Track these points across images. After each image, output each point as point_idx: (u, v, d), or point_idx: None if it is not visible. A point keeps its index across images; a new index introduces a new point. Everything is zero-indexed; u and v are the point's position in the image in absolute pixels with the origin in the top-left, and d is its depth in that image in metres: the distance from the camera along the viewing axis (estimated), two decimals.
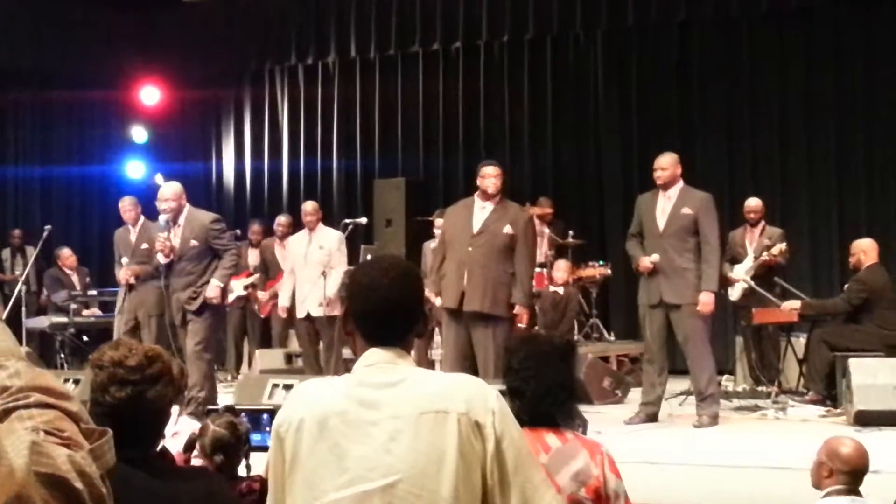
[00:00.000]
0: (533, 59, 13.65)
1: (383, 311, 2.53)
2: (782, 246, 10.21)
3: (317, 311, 9.90)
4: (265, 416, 5.28)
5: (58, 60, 15.04)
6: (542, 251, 11.60)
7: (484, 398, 2.45)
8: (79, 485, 1.28)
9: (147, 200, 10.22)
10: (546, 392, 3.23)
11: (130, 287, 9.47)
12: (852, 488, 4.20)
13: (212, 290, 8.64)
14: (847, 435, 7.84)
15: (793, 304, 9.65)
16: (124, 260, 9.53)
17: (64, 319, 11.95)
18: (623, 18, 12.86)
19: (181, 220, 8.74)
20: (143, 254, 9.39)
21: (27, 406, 1.38)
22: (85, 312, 12.29)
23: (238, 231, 12.70)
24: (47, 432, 1.34)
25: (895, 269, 10.71)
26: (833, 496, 4.15)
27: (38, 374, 1.45)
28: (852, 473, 4.20)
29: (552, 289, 10.84)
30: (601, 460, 3.20)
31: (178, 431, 4.58)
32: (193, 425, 4.45)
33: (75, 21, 15.07)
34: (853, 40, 12.03)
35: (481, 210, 8.18)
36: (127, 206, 9.99)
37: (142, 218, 9.77)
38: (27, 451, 1.26)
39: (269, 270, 11.95)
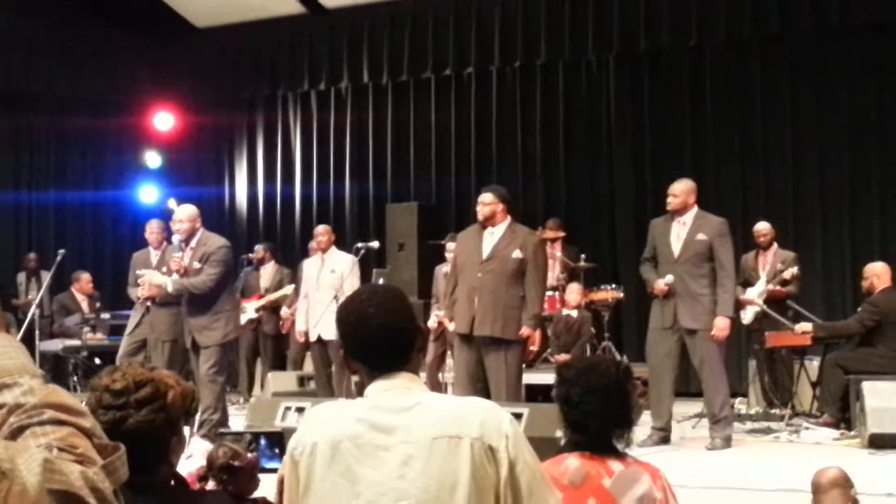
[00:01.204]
0: (545, 84, 13.68)
1: (378, 341, 2.54)
2: (795, 269, 10.20)
3: (328, 335, 9.91)
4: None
5: (72, 85, 15.13)
6: (555, 274, 11.61)
7: (497, 423, 2.46)
8: (92, 501, 1.30)
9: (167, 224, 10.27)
10: (608, 427, 3.22)
11: (147, 309, 9.50)
12: None
13: (158, 283, 8.71)
14: (832, 465, 7.86)
15: (805, 327, 9.63)
16: (141, 281, 9.56)
17: (77, 342, 11.99)
18: (635, 43, 12.89)
19: (193, 242, 8.77)
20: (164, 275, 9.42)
21: (41, 423, 1.39)
22: (97, 335, 12.31)
23: (251, 255, 12.75)
24: (61, 449, 1.35)
25: None
26: None
27: (51, 390, 1.46)
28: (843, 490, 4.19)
29: (565, 312, 10.84)
30: (662, 484, 3.21)
31: (192, 454, 4.59)
32: (207, 447, 4.46)
33: (90, 47, 15.17)
34: (866, 63, 12.02)
35: (490, 235, 8.20)
36: (155, 228, 10.07)
37: (165, 243, 9.81)
38: (40, 468, 1.27)
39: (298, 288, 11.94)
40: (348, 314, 2.61)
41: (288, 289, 11.90)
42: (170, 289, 8.68)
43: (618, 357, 11.94)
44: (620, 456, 3.21)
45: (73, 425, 1.41)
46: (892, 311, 9.39)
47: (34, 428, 1.39)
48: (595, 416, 3.19)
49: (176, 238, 8.80)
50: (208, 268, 8.66)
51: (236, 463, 3.73)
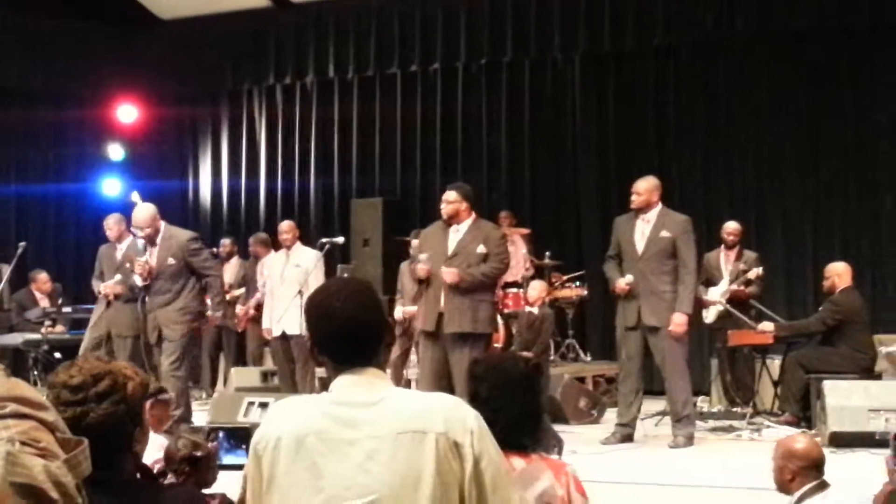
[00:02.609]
0: (511, 81, 13.70)
1: (345, 334, 2.52)
2: (759, 270, 10.27)
3: (292, 330, 9.88)
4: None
5: (35, 78, 14.98)
6: (520, 271, 11.61)
7: (462, 418, 2.45)
8: (54, 495, 1.29)
9: (125, 218, 10.21)
10: (515, 423, 3.23)
11: (108, 304, 9.48)
12: (821, 482, 4.23)
13: (215, 314, 8.80)
14: (795, 432, 7.92)
15: (766, 327, 9.70)
16: (116, 279, 9.53)
17: (37, 336, 11.87)
18: (600, 42, 12.92)
19: (158, 239, 8.75)
20: (127, 272, 9.38)
21: (2, 416, 1.38)
22: (57, 329, 12.21)
23: (215, 249, 12.69)
24: (23, 443, 1.33)
25: (868, 292, 10.82)
26: (808, 498, 4.17)
27: (13, 384, 1.44)
28: (814, 467, 4.24)
29: (527, 309, 10.84)
30: (566, 480, 3.20)
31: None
32: (163, 442, 4.42)
33: (52, 38, 15.02)
34: (828, 65, 12.12)
35: (456, 232, 8.21)
36: (111, 224, 10.01)
37: (129, 236, 9.73)
38: (2, 461, 1.26)
39: (250, 286, 11.92)
40: (316, 306, 2.59)
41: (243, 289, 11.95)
42: (219, 316, 9.08)
43: (581, 355, 12.00)
44: (524, 453, 3.21)
45: (35, 419, 1.39)
46: (853, 310, 9.48)
47: None
48: (501, 412, 3.19)
49: (139, 242, 8.76)
50: (200, 253, 8.75)
51: (198, 453, 3.71)
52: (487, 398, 3.24)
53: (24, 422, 1.38)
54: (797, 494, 4.24)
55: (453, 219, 8.16)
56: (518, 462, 3.17)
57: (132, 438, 2.72)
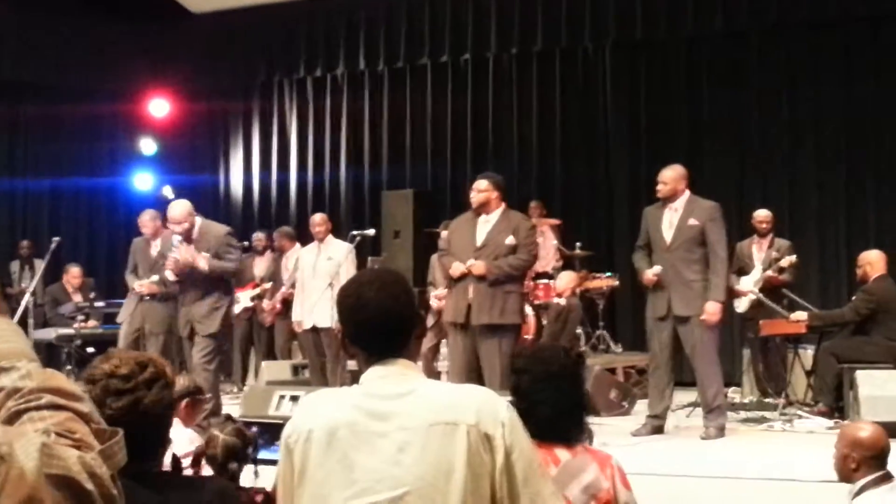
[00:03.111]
0: (541, 71, 13.67)
1: (377, 325, 2.52)
2: (792, 258, 10.20)
3: (323, 323, 9.90)
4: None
5: (67, 73, 15.09)
6: (550, 262, 11.60)
7: (494, 410, 2.45)
8: (90, 486, 1.29)
9: (160, 213, 10.27)
10: (558, 415, 3.21)
11: (140, 298, 9.55)
12: (885, 474, 4.18)
13: (192, 261, 8.65)
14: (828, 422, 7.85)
15: (800, 316, 9.64)
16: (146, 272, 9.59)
17: (70, 331, 11.95)
18: (632, 31, 12.88)
19: (195, 234, 8.78)
20: (162, 270, 9.43)
21: (38, 407, 1.39)
22: (90, 324, 12.29)
23: (246, 243, 12.73)
24: (58, 434, 1.35)
25: None
26: (870, 489, 4.13)
27: (49, 375, 1.46)
28: (880, 457, 4.20)
29: (555, 300, 10.83)
30: (611, 473, 3.19)
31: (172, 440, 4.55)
32: (191, 435, 4.44)
33: (85, 33, 15.12)
34: (862, 52, 12.03)
35: (485, 223, 8.20)
36: (146, 220, 10.06)
37: (163, 232, 9.77)
38: (38, 453, 1.27)
39: (276, 281, 11.97)
40: (348, 297, 2.60)
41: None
42: (204, 266, 8.66)
43: (612, 346, 11.97)
44: (569, 445, 3.19)
45: (71, 410, 1.40)
46: (887, 299, 9.40)
47: (32, 413, 1.38)
48: (544, 404, 3.17)
49: (175, 238, 8.78)
50: (231, 251, 8.71)
51: (242, 445, 3.73)
52: (529, 390, 3.22)
53: (59, 413, 1.39)
54: (859, 484, 4.19)
55: (483, 208, 8.15)
56: (563, 454, 3.16)
57: (170, 427, 2.76)
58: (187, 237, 8.72)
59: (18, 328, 1.54)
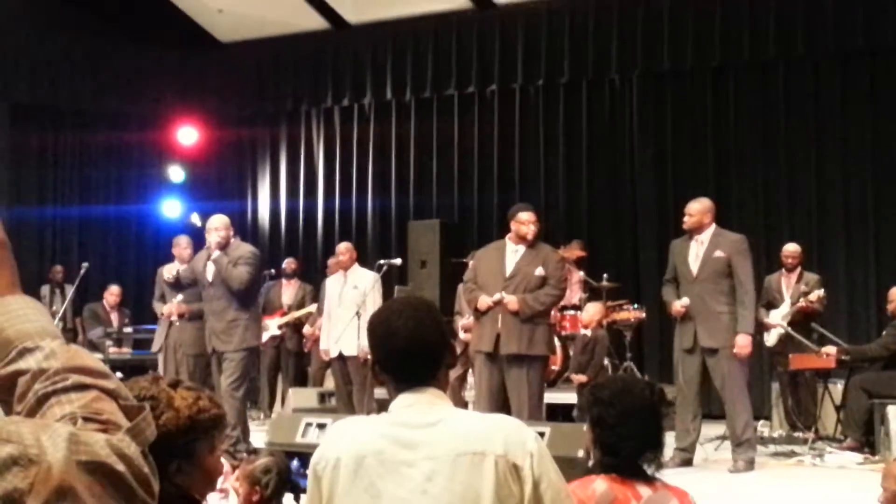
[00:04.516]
0: (568, 102, 13.68)
1: (407, 353, 2.52)
2: (820, 292, 10.15)
3: (349, 351, 9.91)
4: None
5: (97, 100, 15.23)
6: (577, 294, 11.56)
7: (522, 440, 2.44)
8: (121, 467, 1.29)
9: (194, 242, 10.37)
10: (640, 449, 3.17)
11: (171, 324, 9.61)
12: None
13: (214, 255, 8.82)
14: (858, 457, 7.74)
15: (829, 350, 9.57)
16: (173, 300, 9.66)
17: (99, 356, 11.99)
18: (659, 62, 12.89)
19: (228, 249, 8.90)
20: (192, 294, 9.49)
21: (65, 389, 1.38)
22: (122, 350, 12.35)
23: (273, 270, 12.77)
24: (86, 418, 1.34)
25: None
26: None
27: (73, 353, 1.44)
28: None
29: (582, 331, 10.79)
30: None
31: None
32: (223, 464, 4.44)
33: (114, 61, 15.26)
34: (890, 84, 11.97)
35: (514, 253, 8.21)
36: (183, 243, 10.13)
37: (192, 258, 9.85)
38: (66, 442, 1.27)
39: (320, 307, 11.92)
40: (378, 325, 2.59)
41: (311, 307, 11.91)
42: (214, 256, 8.77)
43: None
44: (649, 480, 3.16)
45: (97, 388, 1.39)
46: None
47: (59, 396, 1.38)
48: (629, 438, 3.14)
49: (215, 252, 8.85)
50: (243, 265, 8.75)
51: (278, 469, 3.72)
52: (615, 424, 3.17)
53: (86, 393, 1.38)
54: None
55: (535, 240, 8.18)
56: (644, 490, 3.13)
57: (165, 470, 2.63)
58: (222, 247, 8.82)
59: (39, 305, 1.52)
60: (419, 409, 2.49)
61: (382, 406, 2.51)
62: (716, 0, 12.55)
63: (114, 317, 13.01)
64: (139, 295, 14.23)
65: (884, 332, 9.70)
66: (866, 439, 9.09)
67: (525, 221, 8.21)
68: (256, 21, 14.88)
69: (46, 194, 15.53)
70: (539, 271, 8.09)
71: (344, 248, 10.58)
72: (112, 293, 13.18)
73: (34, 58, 14.74)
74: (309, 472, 2.57)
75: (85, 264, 10.92)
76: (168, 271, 9.66)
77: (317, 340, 11.57)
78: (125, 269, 15.48)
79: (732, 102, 12.78)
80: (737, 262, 8.36)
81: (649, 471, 3.18)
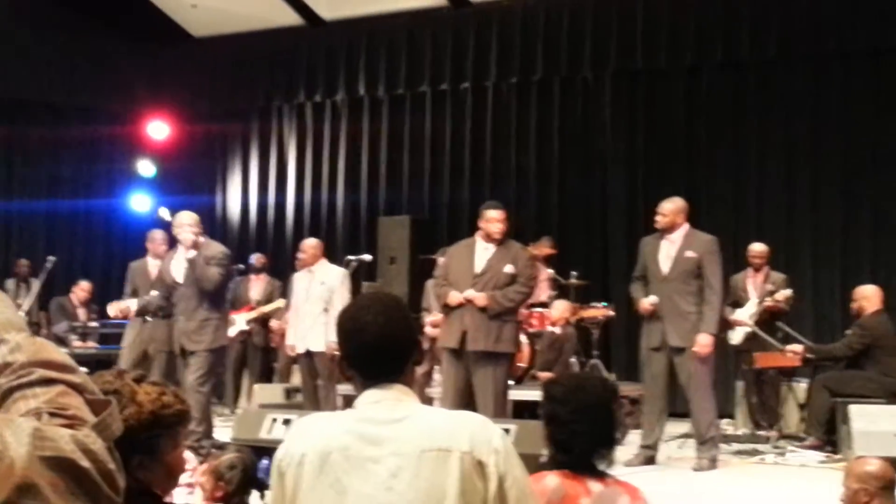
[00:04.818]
0: (541, 99, 13.71)
1: (374, 349, 2.53)
2: (788, 292, 10.23)
3: (316, 347, 9.90)
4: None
5: (66, 93, 15.13)
6: (545, 292, 11.59)
7: (488, 437, 2.45)
8: (85, 463, 1.29)
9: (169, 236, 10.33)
10: (593, 446, 3.20)
11: (143, 320, 9.58)
12: None
13: (186, 246, 8.77)
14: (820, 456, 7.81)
15: (795, 348, 9.64)
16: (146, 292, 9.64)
17: (64, 350, 11.91)
18: (632, 61, 12.94)
19: (200, 248, 8.87)
20: (165, 287, 9.46)
21: (30, 384, 1.37)
22: (88, 343, 12.29)
23: (242, 266, 12.73)
24: (51, 414, 1.33)
25: None
26: None
27: (39, 346, 1.43)
28: (890, 488, 4.22)
29: (549, 329, 10.83)
30: None
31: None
32: (190, 457, 4.44)
33: (85, 55, 15.17)
34: (860, 85, 12.06)
35: (484, 250, 8.22)
36: (159, 239, 10.08)
37: (166, 254, 9.80)
38: (29, 438, 1.26)
39: (290, 302, 11.86)
40: (347, 320, 2.60)
41: (280, 302, 11.87)
42: (187, 255, 8.72)
43: (606, 376, 11.95)
44: (600, 476, 3.19)
45: (63, 382, 1.38)
46: (882, 334, 9.41)
47: (24, 390, 1.36)
48: (582, 435, 3.17)
49: (189, 252, 8.81)
50: (215, 266, 8.72)
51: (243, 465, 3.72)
52: (568, 421, 3.20)
53: (52, 388, 1.37)
54: None
55: (502, 237, 8.18)
56: (595, 486, 3.15)
57: (127, 464, 2.59)
58: (195, 245, 8.78)
59: (4, 296, 1.51)
60: (386, 405, 2.50)
61: (348, 402, 2.51)
62: (688, 1, 12.61)
63: (81, 312, 12.93)
64: (106, 289, 14.14)
65: (847, 332, 9.79)
66: (828, 438, 9.17)
67: (493, 220, 8.21)
68: (230, 16, 14.83)
69: (13, 188, 15.42)
70: (509, 269, 8.10)
71: (308, 245, 10.51)
72: (82, 289, 13.10)
73: (3, 51, 14.62)
74: (272, 468, 2.57)
75: (51, 258, 10.85)
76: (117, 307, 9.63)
77: (284, 336, 11.54)
78: (93, 264, 15.39)
79: (704, 102, 12.85)
80: (707, 262, 8.41)
81: (601, 467, 3.20)
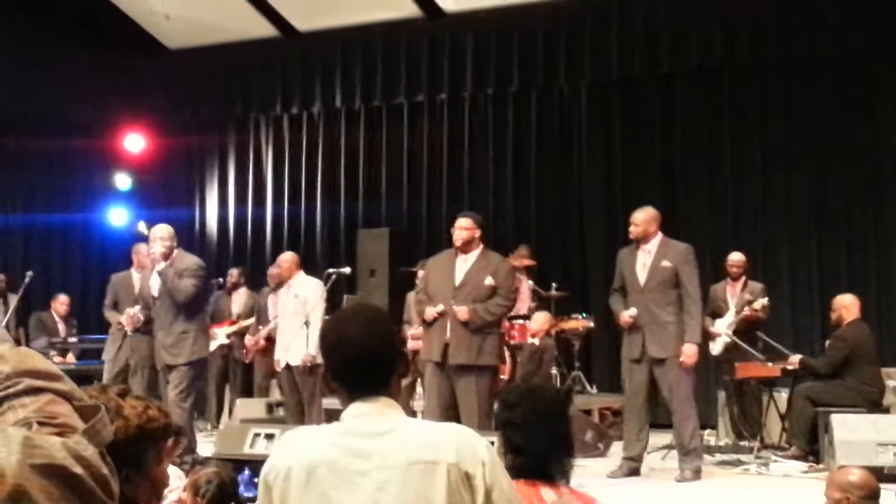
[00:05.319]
0: (517, 111, 13.73)
1: (358, 362, 2.51)
2: (764, 301, 10.26)
3: (296, 361, 9.86)
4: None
5: (42, 107, 15.03)
6: (525, 303, 11.59)
7: (474, 449, 2.44)
8: (78, 469, 1.28)
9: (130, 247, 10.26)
10: (547, 451, 3.19)
11: (125, 334, 9.52)
12: None
13: (156, 260, 8.73)
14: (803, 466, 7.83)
15: (794, 359, 9.64)
16: (129, 310, 9.57)
17: None
18: (607, 71, 12.97)
19: (173, 255, 8.82)
20: (149, 300, 9.42)
21: (17, 394, 1.36)
22: (68, 359, 12.20)
23: (221, 279, 12.68)
24: (41, 423, 1.32)
25: (876, 324, 10.77)
26: None
27: (24, 356, 1.42)
28: (873, 497, 4.22)
29: (529, 340, 10.84)
30: None
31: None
32: (179, 473, 4.42)
33: (60, 67, 15.07)
34: (833, 94, 12.11)
35: (464, 262, 8.20)
36: (144, 252, 10.03)
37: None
38: (20, 446, 1.25)
39: (262, 317, 11.83)
40: (330, 333, 2.59)
41: (252, 319, 11.88)
42: (158, 268, 8.68)
43: (587, 387, 11.96)
44: (554, 484, 3.18)
45: (51, 391, 1.37)
46: (861, 343, 9.45)
47: (12, 401, 1.35)
48: (536, 439, 3.16)
49: (160, 263, 8.76)
50: (188, 277, 8.67)
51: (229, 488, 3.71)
52: (521, 424, 3.19)
53: (39, 397, 1.36)
54: None
55: (466, 246, 8.15)
56: (548, 494, 3.13)
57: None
58: (166, 257, 8.74)
59: None
60: (372, 417, 2.48)
61: (331, 417, 2.49)
62: (662, 10, 12.65)
63: (61, 327, 12.85)
64: (84, 304, 14.09)
65: (827, 344, 9.82)
66: (811, 448, 9.19)
67: (457, 227, 8.22)
68: (205, 28, 14.79)
69: None
70: (489, 281, 8.08)
71: (283, 260, 10.45)
72: (61, 302, 13.01)
73: None
74: (259, 482, 2.56)
75: (29, 273, 10.79)
76: (129, 316, 9.53)
77: (259, 351, 11.51)
78: (70, 278, 15.30)
79: (679, 112, 12.88)
80: (683, 271, 8.42)
81: (558, 475, 3.19)
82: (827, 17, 11.86)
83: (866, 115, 11.94)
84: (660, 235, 8.60)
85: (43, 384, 1.38)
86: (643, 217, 8.61)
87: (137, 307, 9.43)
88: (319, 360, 9.58)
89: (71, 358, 12.25)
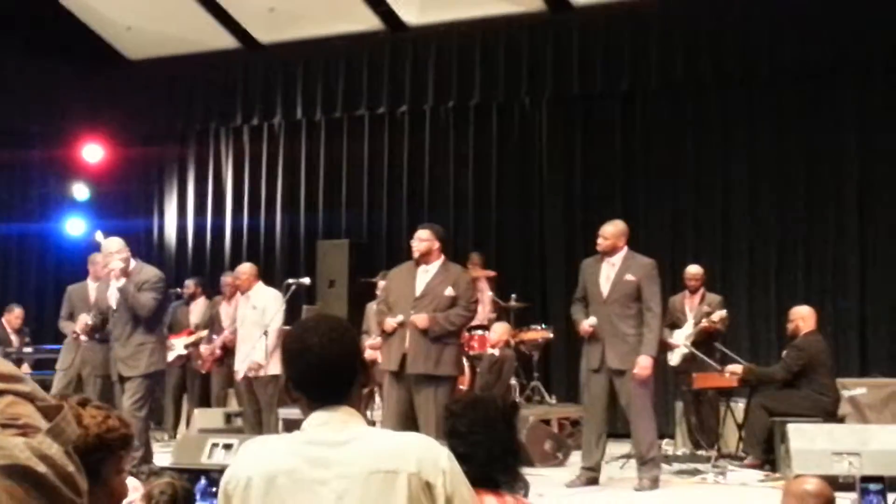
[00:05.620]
0: (478, 124, 13.76)
1: (320, 371, 2.51)
2: (723, 313, 10.34)
3: (252, 372, 9.84)
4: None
5: (0, 116, 14.89)
6: (485, 314, 11.61)
7: (435, 458, 2.45)
8: (42, 469, 1.27)
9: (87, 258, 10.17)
10: (494, 458, 3.20)
11: (79, 344, 9.44)
12: None
13: (116, 276, 8.67)
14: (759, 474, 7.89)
15: (734, 369, 9.73)
16: (82, 316, 9.50)
17: None
18: (568, 86, 13.04)
19: (130, 267, 8.77)
20: (104, 309, 9.34)
21: None
22: (23, 369, 12.07)
23: (179, 290, 12.61)
24: (3, 425, 1.32)
25: (832, 336, 10.89)
26: None
27: None
28: None
29: (489, 351, 10.86)
30: None
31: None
32: (137, 484, 4.39)
33: (18, 77, 14.95)
34: (795, 109, 12.24)
35: (424, 273, 8.22)
36: (100, 262, 9.95)
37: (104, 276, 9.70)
38: None
39: (215, 327, 11.80)
40: (292, 342, 2.59)
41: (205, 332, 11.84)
42: (118, 284, 8.60)
43: (546, 397, 11.99)
44: (498, 493, 3.19)
45: (11, 392, 1.37)
46: (817, 354, 9.54)
47: None
48: (480, 446, 3.18)
49: (120, 280, 8.71)
50: (149, 291, 8.62)
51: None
52: (466, 432, 3.22)
53: (0, 399, 1.35)
54: None
55: (424, 258, 8.16)
56: (491, 502, 3.15)
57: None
58: (124, 272, 8.68)
59: None
60: (332, 427, 2.48)
61: (288, 426, 2.49)
62: (624, 26, 12.73)
63: (14, 339, 12.72)
64: (39, 315, 13.95)
65: (784, 353, 9.90)
66: (767, 457, 9.27)
67: (416, 238, 8.26)
68: (165, 38, 14.72)
69: None
70: (449, 291, 8.10)
71: (241, 271, 10.42)
72: (15, 315, 12.84)
73: None
74: (219, 491, 2.55)
75: None
76: (82, 322, 9.47)
77: (216, 361, 11.47)
78: (26, 288, 15.16)
79: (640, 127, 12.96)
80: (646, 286, 8.47)
81: (501, 483, 3.20)
82: (788, 32, 11.98)
83: (827, 128, 12.05)
84: (625, 249, 8.65)
85: (3, 386, 1.37)
86: (612, 231, 8.65)
87: (91, 313, 9.37)
88: (271, 370, 9.60)
89: (26, 368, 12.12)
